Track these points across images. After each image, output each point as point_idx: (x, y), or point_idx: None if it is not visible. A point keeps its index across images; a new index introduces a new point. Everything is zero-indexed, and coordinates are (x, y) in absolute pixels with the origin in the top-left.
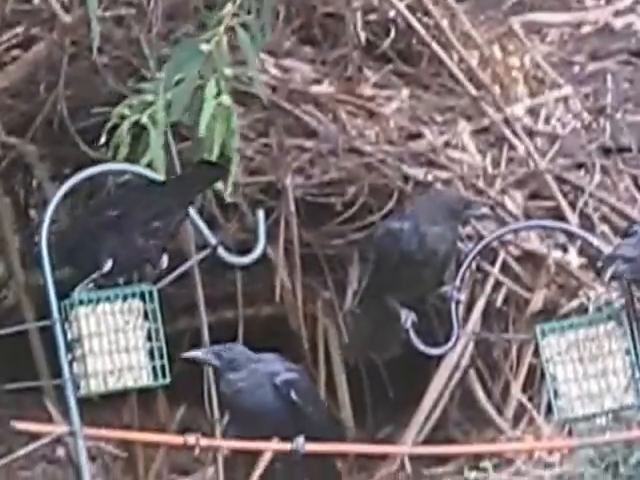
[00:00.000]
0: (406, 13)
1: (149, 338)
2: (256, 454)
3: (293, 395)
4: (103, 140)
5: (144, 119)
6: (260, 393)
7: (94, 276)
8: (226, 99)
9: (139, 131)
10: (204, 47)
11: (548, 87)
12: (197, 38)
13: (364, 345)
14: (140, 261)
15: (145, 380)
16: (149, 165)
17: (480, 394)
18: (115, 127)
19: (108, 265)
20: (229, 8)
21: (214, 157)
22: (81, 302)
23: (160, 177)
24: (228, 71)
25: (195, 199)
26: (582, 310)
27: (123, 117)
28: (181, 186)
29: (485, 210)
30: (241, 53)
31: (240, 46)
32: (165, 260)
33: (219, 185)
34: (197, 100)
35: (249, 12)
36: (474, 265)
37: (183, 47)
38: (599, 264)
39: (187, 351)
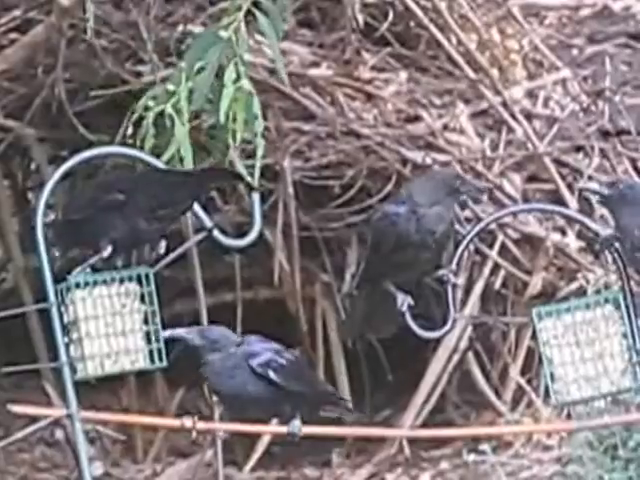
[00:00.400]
0: None
1: (146, 321)
2: (254, 437)
3: (272, 375)
4: (130, 132)
5: (168, 109)
6: (240, 376)
7: (92, 260)
8: (246, 84)
9: (162, 124)
10: (223, 34)
11: (546, 70)
12: (217, 25)
13: (360, 324)
14: (140, 243)
15: (142, 363)
16: (171, 159)
17: (478, 377)
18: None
19: (108, 250)
20: None
21: (237, 142)
22: (77, 285)
23: (158, 162)
24: (247, 56)
25: (204, 196)
26: (581, 293)
27: (147, 108)
28: (192, 182)
29: (481, 184)
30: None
31: (260, 32)
32: (163, 245)
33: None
34: (218, 87)
35: None
36: (472, 248)
37: (203, 35)
38: (597, 247)
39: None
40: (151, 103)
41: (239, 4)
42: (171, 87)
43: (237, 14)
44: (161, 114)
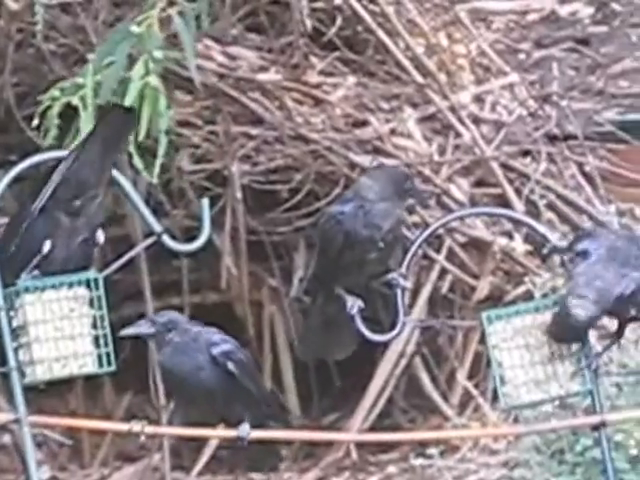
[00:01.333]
0: (352, 0)
1: (94, 325)
2: (202, 441)
3: (230, 366)
4: (36, 123)
5: (75, 101)
6: (198, 360)
7: (35, 261)
8: (153, 80)
9: (73, 114)
10: (135, 29)
11: (494, 74)
12: (130, 21)
13: (317, 347)
14: (77, 249)
15: (90, 367)
16: None
17: (426, 381)
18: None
19: (47, 245)
20: None
21: (140, 138)
22: (27, 289)
23: None
24: (158, 53)
25: (110, 167)
26: (528, 297)
27: (55, 99)
28: (92, 155)
29: (427, 190)
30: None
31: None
32: (101, 234)
33: (148, 172)
34: (127, 82)
35: None
36: (420, 252)
37: (117, 30)
38: (545, 251)
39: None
40: (58, 94)
41: (153, 2)
42: (80, 80)
43: (151, 11)
44: (70, 107)
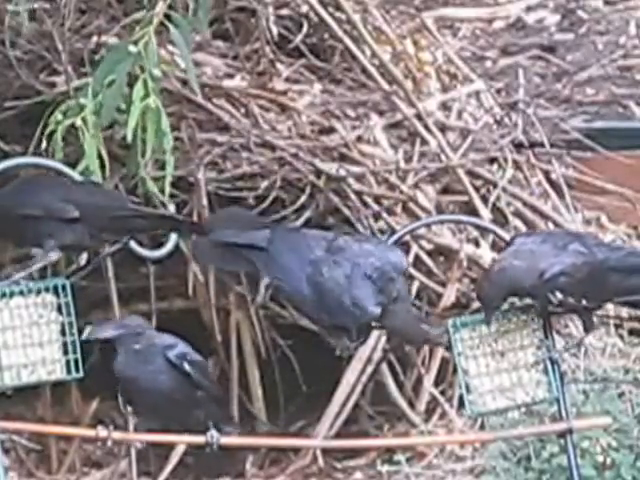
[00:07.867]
0: (318, 8)
1: (63, 332)
2: (169, 447)
3: (187, 367)
4: (44, 145)
5: (78, 122)
6: (155, 365)
7: (39, 265)
8: (154, 100)
9: (75, 134)
10: (132, 48)
11: (460, 82)
12: (127, 40)
13: None
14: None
15: (59, 374)
16: (84, 171)
17: (392, 388)
18: (52, 132)
19: (57, 254)
20: (160, 6)
21: (147, 158)
22: None
23: (73, 173)
24: (157, 72)
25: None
26: None
27: (58, 123)
28: (139, 221)
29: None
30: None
31: (172, 44)
32: (84, 257)
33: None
34: (129, 100)
35: (176, 10)
36: None
37: (114, 49)
38: None
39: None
40: (60, 117)
41: (150, 17)
42: (83, 101)
43: (147, 28)
44: (74, 126)
